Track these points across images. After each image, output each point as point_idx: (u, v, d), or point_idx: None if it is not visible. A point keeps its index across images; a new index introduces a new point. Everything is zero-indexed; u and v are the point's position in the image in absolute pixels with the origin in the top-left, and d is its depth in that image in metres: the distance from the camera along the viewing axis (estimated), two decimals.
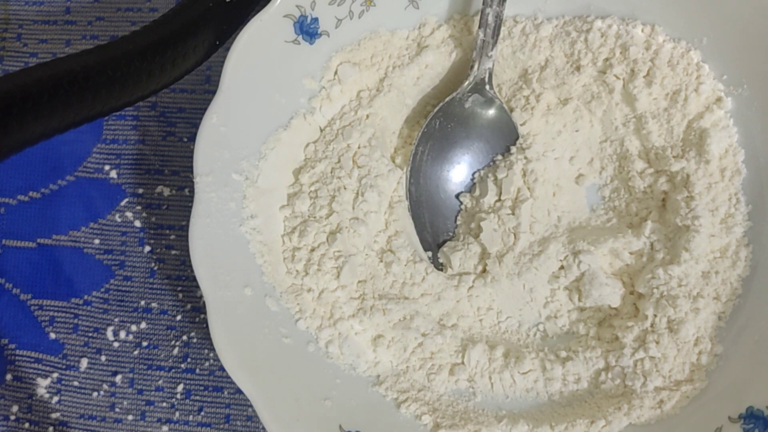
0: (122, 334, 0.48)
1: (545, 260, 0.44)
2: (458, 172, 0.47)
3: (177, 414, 0.47)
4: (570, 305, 0.44)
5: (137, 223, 0.49)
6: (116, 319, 0.49)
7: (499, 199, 0.45)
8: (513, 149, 0.46)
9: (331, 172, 0.45)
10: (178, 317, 0.48)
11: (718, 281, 0.42)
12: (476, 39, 0.44)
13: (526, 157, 0.45)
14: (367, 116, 0.46)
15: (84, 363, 0.48)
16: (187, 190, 0.49)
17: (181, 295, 0.48)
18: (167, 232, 0.49)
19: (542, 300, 0.44)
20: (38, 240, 0.50)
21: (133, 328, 0.48)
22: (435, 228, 0.47)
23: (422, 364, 0.44)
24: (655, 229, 0.43)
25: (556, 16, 0.46)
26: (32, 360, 0.49)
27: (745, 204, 0.43)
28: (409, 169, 0.46)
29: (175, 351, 0.48)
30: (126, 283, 0.49)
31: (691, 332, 0.41)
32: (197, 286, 0.43)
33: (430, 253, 0.46)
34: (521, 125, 0.46)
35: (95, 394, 0.48)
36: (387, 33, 0.46)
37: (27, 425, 0.48)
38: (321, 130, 0.47)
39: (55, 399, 0.48)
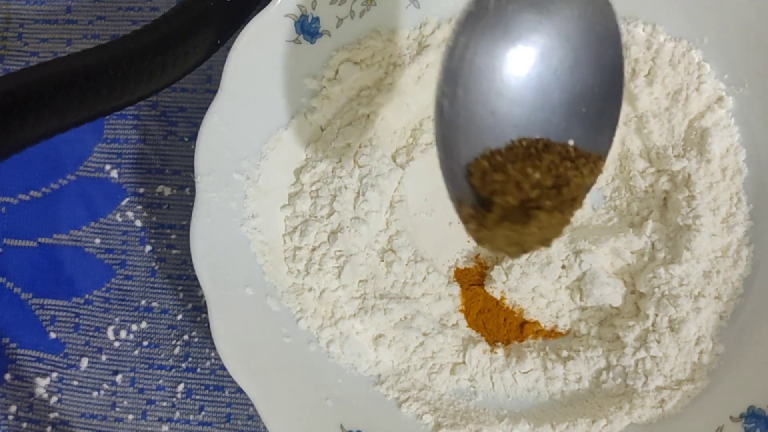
0: (123, 334, 0.48)
1: (553, 270, 0.44)
2: (518, 82, 0.31)
3: (178, 413, 0.47)
4: (571, 305, 0.44)
5: (138, 223, 0.49)
6: (117, 319, 0.49)
7: None
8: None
9: (332, 172, 0.45)
10: (179, 316, 0.48)
11: (720, 280, 0.42)
12: None
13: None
14: (368, 116, 0.46)
15: (84, 362, 0.48)
16: (188, 189, 0.49)
17: (182, 294, 0.48)
18: (168, 231, 0.49)
19: (545, 301, 0.44)
20: (39, 239, 0.50)
21: (134, 327, 0.48)
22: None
23: (423, 363, 0.44)
24: (656, 228, 0.43)
25: None
26: (33, 359, 0.49)
27: (746, 203, 0.43)
28: (443, 70, 0.30)
29: (176, 350, 0.48)
30: (127, 283, 0.49)
31: (693, 331, 0.41)
32: (198, 286, 0.43)
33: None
34: None
35: (96, 393, 0.48)
36: (388, 32, 0.46)
37: (26, 425, 0.48)
38: (322, 130, 0.47)
39: (55, 398, 0.48)
